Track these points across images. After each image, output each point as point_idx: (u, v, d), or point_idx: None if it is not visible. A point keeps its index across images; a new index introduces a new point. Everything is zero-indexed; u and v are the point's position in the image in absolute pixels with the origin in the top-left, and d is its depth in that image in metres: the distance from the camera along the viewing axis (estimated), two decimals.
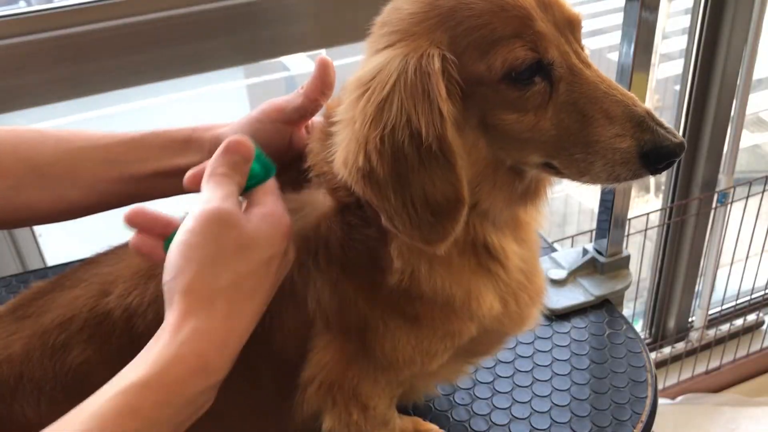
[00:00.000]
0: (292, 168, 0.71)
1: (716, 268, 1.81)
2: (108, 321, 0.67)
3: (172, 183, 0.76)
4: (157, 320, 0.66)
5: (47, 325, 0.68)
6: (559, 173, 0.58)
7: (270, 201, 0.58)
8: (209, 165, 0.58)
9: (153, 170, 0.75)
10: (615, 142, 0.53)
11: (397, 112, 0.52)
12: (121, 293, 0.68)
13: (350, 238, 0.63)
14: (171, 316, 0.53)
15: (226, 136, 0.72)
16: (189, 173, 0.61)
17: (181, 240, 0.54)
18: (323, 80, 0.68)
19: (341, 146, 0.55)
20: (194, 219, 0.55)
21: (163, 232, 0.60)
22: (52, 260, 1.35)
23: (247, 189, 0.59)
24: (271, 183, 0.60)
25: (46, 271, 1.11)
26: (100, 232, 0.81)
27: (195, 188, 0.59)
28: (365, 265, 0.62)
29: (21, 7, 1.03)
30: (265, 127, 0.69)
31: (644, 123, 0.53)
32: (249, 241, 0.55)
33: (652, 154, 0.53)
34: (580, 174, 0.56)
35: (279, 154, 0.70)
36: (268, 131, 0.70)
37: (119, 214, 0.80)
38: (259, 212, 0.57)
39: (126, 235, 0.79)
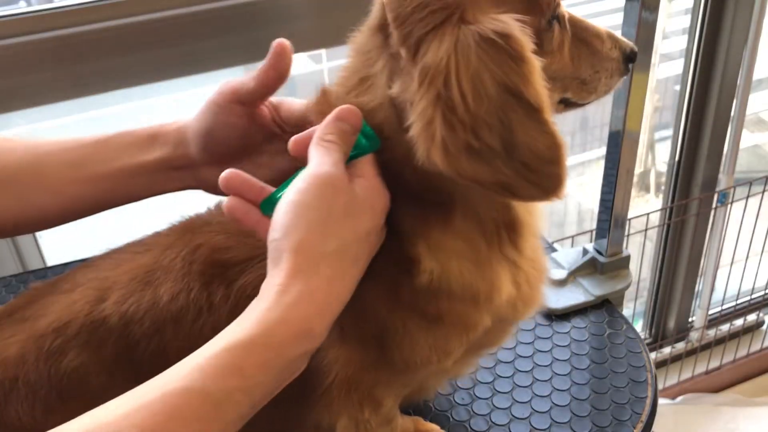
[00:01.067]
0: (263, 151, 0.71)
1: (716, 268, 1.81)
2: (104, 327, 0.67)
3: (140, 181, 0.75)
4: (154, 328, 0.66)
5: (43, 329, 0.68)
6: (569, 105, 0.65)
7: (372, 174, 0.59)
8: (318, 130, 0.58)
9: (119, 168, 0.74)
10: (610, 54, 0.65)
11: (492, 82, 0.51)
12: (117, 300, 0.67)
13: None
14: (278, 276, 0.53)
15: (190, 127, 0.73)
16: (294, 138, 0.61)
17: (293, 199, 0.54)
18: (276, 69, 0.67)
19: (439, 139, 0.53)
20: (306, 180, 0.55)
21: (257, 197, 0.60)
22: (51, 260, 1.35)
23: (350, 159, 0.59)
24: (373, 157, 0.60)
25: (45, 272, 1.11)
26: (100, 233, 0.81)
27: (300, 153, 0.59)
28: (385, 271, 0.62)
29: (21, 7, 1.03)
30: (223, 110, 0.70)
31: (614, 36, 0.66)
32: (355, 209, 0.55)
33: (631, 55, 0.66)
34: (588, 94, 0.65)
35: (242, 132, 0.70)
36: (225, 112, 0.70)
37: (119, 214, 0.80)
38: (364, 183, 0.57)
39: (124, 237, 0.79)
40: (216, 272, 0.66)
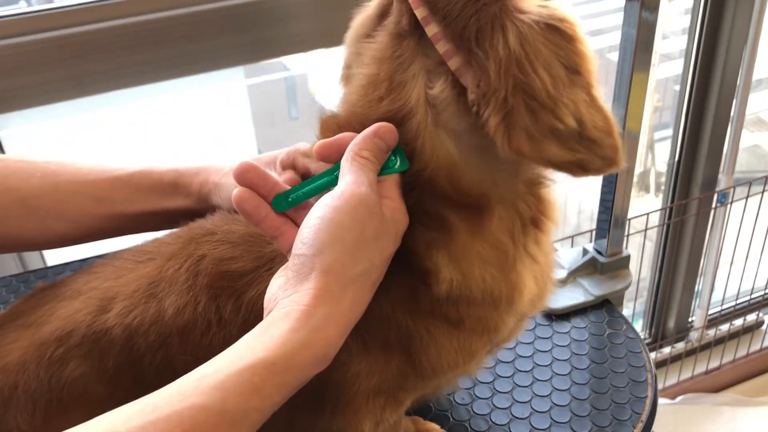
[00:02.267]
0: None
1: (716, 268, 1.81)
2: (107, 338, 0.66)
3: (160, 221, 0.76)
4: (160, 342, 0.65)
5: (45, 337, 0.67)
6: None
7: (398, 195, 0.58)
8: (354, 144, 0.57)
9: (140, 210, 0.75)
10: None
11: (560, 64, 0.53)
12: (120, 311, 0.67)
13: None
14: (304, 295, 0.52)
15: (222, 188, 0.73)
16: (322, 142, 0.59)
17: (327, 216, 0.53)
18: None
19: (523, 126, 0.53)
20: (341, 198, 0.54)
21: (269, 192, 0.60)
22: (52, 260, 1.35)
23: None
24: (398, 177, 0.59)
25: (46, 271, 1.11)
26: None
27: (325, 158, 0.59)
28: (402, 283, 0.61)
29: (21, 7, 1.03)
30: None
31: None
32: (384, 232, 0.55)
33: None
34: None
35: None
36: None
37: None
38: (391, 205, 0.57)
39: (124, 241, 0.79)
40: (224, 285, 0.65)
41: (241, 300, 0.64)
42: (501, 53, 0.53)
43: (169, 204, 0.75)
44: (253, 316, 0.63)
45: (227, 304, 0.64)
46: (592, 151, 0.55)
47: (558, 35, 0.53)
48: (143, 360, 0.65)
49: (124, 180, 0.75)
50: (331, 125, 0.62)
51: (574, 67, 0.53)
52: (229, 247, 0.66)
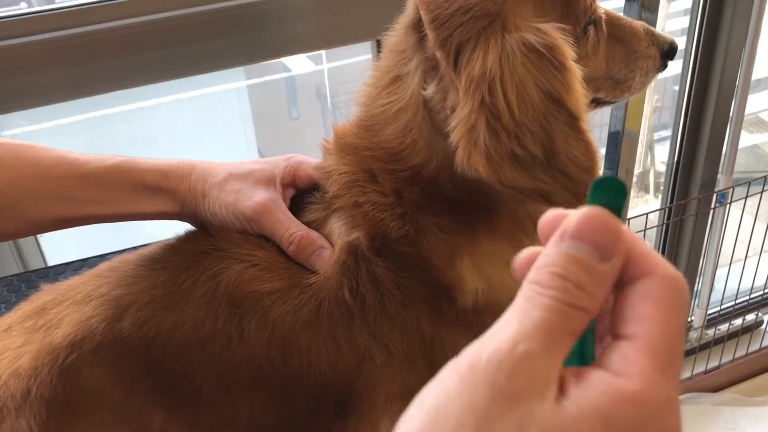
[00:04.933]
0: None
1: (715, 267, 1.82)
2: (123, 346, 0.64)
3: (134, 220, 0.70)
4: (179, 352, 0.63)
5: (58, 342, 0.65)
6: (600, 104, 0.66)
7: (641, 373, 0.28)
8: (541, 262, 0.32)
9: (114, 212, 0.68)
10: (648, 53, 0.65)
11: (537, 90, 0.52)
12: (135, 321, 0.65)
13: (402, 275, 0.60)
14: None
15: (202, 193, 0.67)
16: (522, 259, 0.34)
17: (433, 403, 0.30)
18: None
19: (482, 145, 0.52)
20: (457, 376, 0.30)
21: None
22: (52, 260, 1.36)
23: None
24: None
25: (47, 271, 1.11)
26: (102, 233, 0.81)
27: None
28: (425, 296, 0.61)
29: (22, 8, 1.03)
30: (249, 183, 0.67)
31: (652, 32, 0.66)
32: None
33: (669, 51, 0.66)
34: (622, 93, 0.66)
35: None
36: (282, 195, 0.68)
37: None
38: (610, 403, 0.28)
39: (125, 237, 0.79)
40: (247, 304, 0.63)
41: (267, 317, 0.62)
42: (476, 70, 0.52)
43: (147, 208, 0.68)
44: (278, 334, 0.62)
45: (251, 321, 0.63)
46: (560, 184, 0.53)
47: (545, 61, 0.52)
48: (162, 367, 0.64)
49: (97, 177, 0.66)
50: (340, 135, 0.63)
51: (555, 96, 0.52)
52: (248, 267, 0.64)
